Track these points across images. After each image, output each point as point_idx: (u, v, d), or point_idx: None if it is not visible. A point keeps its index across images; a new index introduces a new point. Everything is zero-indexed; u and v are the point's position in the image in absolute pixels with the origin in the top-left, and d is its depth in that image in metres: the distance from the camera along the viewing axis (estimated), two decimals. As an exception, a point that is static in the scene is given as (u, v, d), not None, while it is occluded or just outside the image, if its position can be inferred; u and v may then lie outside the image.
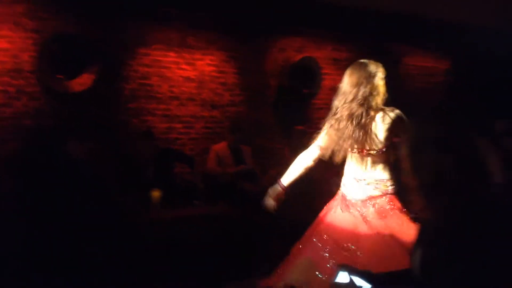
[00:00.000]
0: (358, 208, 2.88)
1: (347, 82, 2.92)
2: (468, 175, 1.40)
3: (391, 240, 2.76)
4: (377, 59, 6.78)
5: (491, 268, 1.26)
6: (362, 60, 2.98)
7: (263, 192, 5.39)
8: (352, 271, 1.63)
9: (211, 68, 6.07)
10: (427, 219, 1.52)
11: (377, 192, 2.87)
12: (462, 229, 1.32)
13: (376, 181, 2.89)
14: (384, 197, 2.87)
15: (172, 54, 5.81)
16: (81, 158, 4.32)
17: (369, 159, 2.91)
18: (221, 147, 5.53)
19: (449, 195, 1.42)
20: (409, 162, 1.53)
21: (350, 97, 2.85)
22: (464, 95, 7.25)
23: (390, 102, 2.90)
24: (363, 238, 2.79)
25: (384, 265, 2.50)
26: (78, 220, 3.54)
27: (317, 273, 2.76)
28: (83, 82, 5.28)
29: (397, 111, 2.87)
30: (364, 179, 2.91)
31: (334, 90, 7.31)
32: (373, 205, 2.86)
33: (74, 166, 4.17)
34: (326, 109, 6.90)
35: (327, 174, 5.31)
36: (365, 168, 2.92)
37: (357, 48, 7.02)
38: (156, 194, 4.25)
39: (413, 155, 1.51)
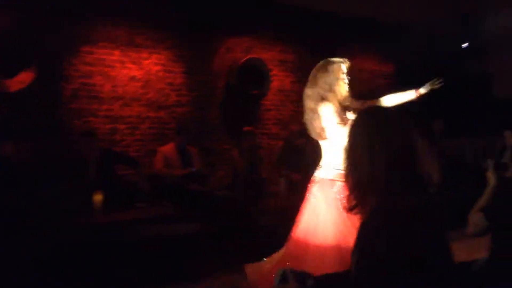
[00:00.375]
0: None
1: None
2: (400, 177, 1.40)
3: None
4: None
5: (422, 268, 1.26)
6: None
7: (211, 193, 5.38)
8: (292, 273, 1.61)
9: (158, 67, 5.94)
10: (363, 219, 1.52)
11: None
12: (388, 231, 1.31)
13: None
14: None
15: (117, 52, 5.64)
16: (15, 159, 4.11)
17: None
18: (168, 148, 5.43)
19: (378, 196, 1.42)
20: (346, 160, 1.54)
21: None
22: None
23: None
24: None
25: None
26: (10, 220, 3.36)
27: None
28: (21, 80, 5.02)
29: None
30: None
31: (281, 91, 7.40)
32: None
33: (7, 167, 3.95)
34: (274, 110, 7.05)
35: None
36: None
37: (303, 51, 7.10)
38: (98, 197, 4.10)
39: (349, 153, 1.51)
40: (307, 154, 6.09)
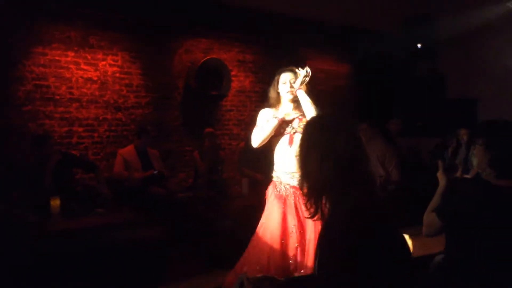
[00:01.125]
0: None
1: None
2: (352, 178, 1.42)
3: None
4: (283, 61, 6.97)
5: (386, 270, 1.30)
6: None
7: (172, 196, 5.32)
8: (248, 280, 1.61)
9: (115, 68, 5.82)
10: (323, 222, 1.54)
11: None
12: (346, 232, 1.33)
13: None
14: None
15: (71, 53, 5.48)
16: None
17: None
18: (127, 151, 5.34)
19: (333, 200, 1.44)
20: (299, 168, 1.55)
21: None
22: (364, 98, 7.67)
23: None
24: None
25: None
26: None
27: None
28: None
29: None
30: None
31: (242, 92, 7.41)
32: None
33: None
34: (234, 110, 7.04)
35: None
36: None
37: (262, 51, 7.14)
38: (55, 202, 3.98)
39: (302, 161, 1.52)
40: (268, 154, 6.15)
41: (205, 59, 6.41)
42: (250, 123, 6.54)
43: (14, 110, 5.11)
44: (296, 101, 3.26)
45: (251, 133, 5.91)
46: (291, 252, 3.04)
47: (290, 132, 3.20)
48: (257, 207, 4.65)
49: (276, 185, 3.22)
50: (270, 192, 3.23)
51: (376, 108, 7.18)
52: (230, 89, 6.76)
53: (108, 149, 5.75)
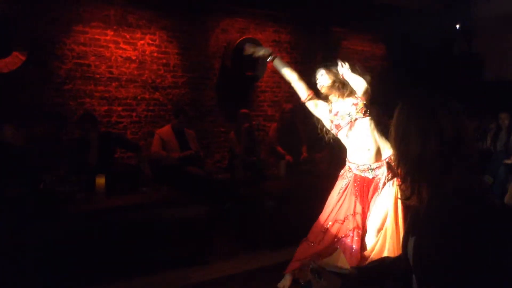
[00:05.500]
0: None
1: None
2: (453, 164, 1.38)
3: None
4: (318, 42, 6.87)
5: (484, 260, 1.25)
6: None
7: (211, 176, 5.34)
8: (325, 271, 1.60)
9: (153, 48, 5.81)
10: (415, 207, 1.50)
11: None
12: (449, 221, 1.29)
13: None
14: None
15: (110, 32, 5.48)
16: (17, 143, 3.99)
17: None
18: (165, 130, 5.35)
19: (432, 185, 1.40)
20: (395, 151, 1.51)
21: None
22: (399, 80, 7.52)
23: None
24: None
25: None
26: (10, 207, 3.26)
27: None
28: (12, 61, 4.86)
29: None
30: None
31: (276, 73, 7.34)
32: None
33: (9, 151, 3.83)
34: (269, 92, 6.99)
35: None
36: None
37: (297, 30, 7.04)
38: (100, 180, 4.02)
39: (398, 143, 1.48)
40: (300, 133, 6.12)
41: (241, 39, 6.34)
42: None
43: (55, 89, 5.15)
44: (339, 88, 3.22)
45: (285, 113, 5.95)
46: (341, 234, 3.02)
47: (350, 120, 3.12)
48: (295, 189, 4.67)
49: (346, 171, 3.22)
50: (340, 174, 3.25)
51: (411, 91, 7.03)
52: (266, 70, 6.69)
53: (146, 128, 5.78)
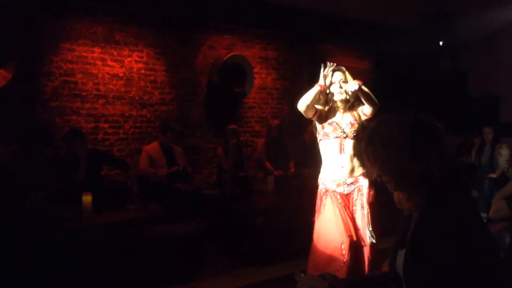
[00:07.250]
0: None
1: None
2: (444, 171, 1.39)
3: None
4: (304, 58, 6.90)
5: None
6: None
7: (199, 192, 5.32)
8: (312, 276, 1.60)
9: (140, 65, 5.82)
10: (405, 217, 1.51)
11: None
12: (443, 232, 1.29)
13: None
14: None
15: (97, 49, 5.49)
16: (3, 161, 3.94)
17: None
18: (152, 147, 5.34)
19: (428, 196, 1.41)
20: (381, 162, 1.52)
21: None
22: (384, 95, 7.60)
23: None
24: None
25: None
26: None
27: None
28: (4, 76, 4.83)
29: None
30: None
31: (263, 89, 7.38)
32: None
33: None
34: (256, 108, 7.02)
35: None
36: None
37: (283, 47, 7.11)
38: (87, 198, 3.99)
39: (386, 157, 1.48)
40: (287, 149, 6.17)
41: (228, 55, 6.38)
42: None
43: (42, 105, 5.12)
44: (346, 102, 3.21)
45: (272, 129, 5.98)
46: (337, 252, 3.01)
47: (340, 136, 3.12)
48: (284, 204, 4.68)
49: (321, 194, 3.18)
50: (319, 204, 3.20)
51: (397, 106, 7.11)
52: (253, 86, 6.73)
53: (133, 145, 5.75)
